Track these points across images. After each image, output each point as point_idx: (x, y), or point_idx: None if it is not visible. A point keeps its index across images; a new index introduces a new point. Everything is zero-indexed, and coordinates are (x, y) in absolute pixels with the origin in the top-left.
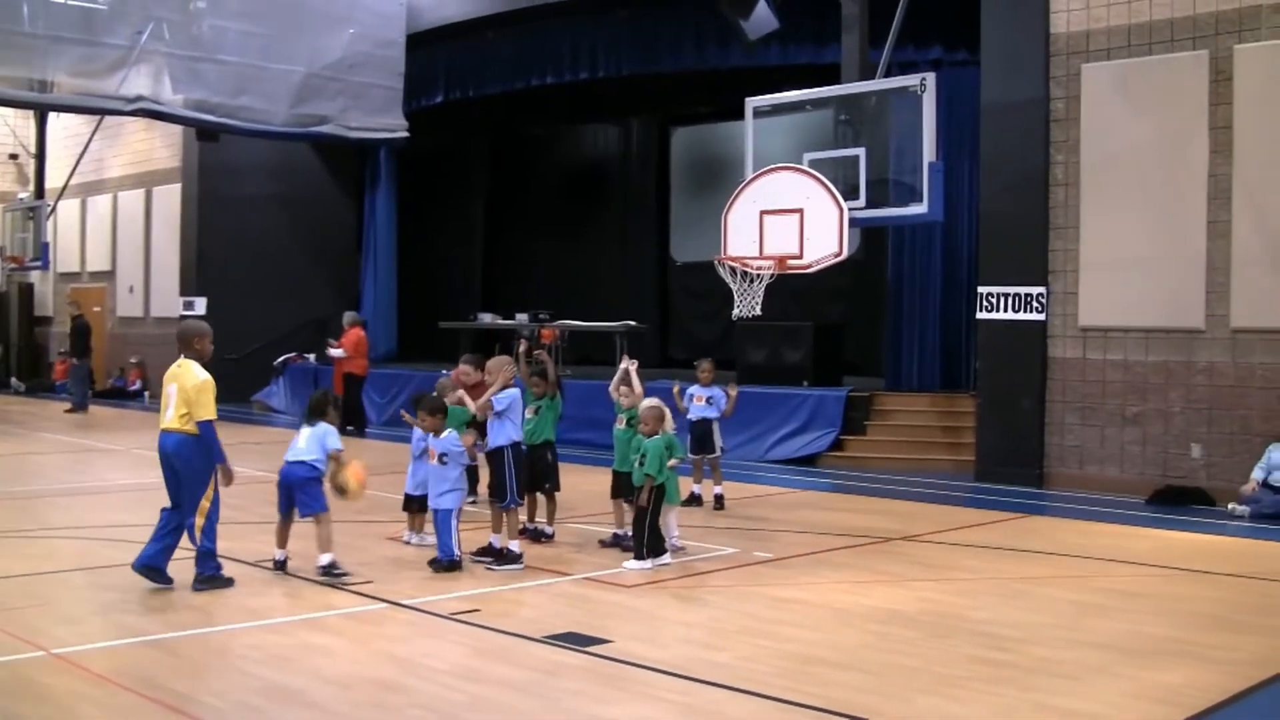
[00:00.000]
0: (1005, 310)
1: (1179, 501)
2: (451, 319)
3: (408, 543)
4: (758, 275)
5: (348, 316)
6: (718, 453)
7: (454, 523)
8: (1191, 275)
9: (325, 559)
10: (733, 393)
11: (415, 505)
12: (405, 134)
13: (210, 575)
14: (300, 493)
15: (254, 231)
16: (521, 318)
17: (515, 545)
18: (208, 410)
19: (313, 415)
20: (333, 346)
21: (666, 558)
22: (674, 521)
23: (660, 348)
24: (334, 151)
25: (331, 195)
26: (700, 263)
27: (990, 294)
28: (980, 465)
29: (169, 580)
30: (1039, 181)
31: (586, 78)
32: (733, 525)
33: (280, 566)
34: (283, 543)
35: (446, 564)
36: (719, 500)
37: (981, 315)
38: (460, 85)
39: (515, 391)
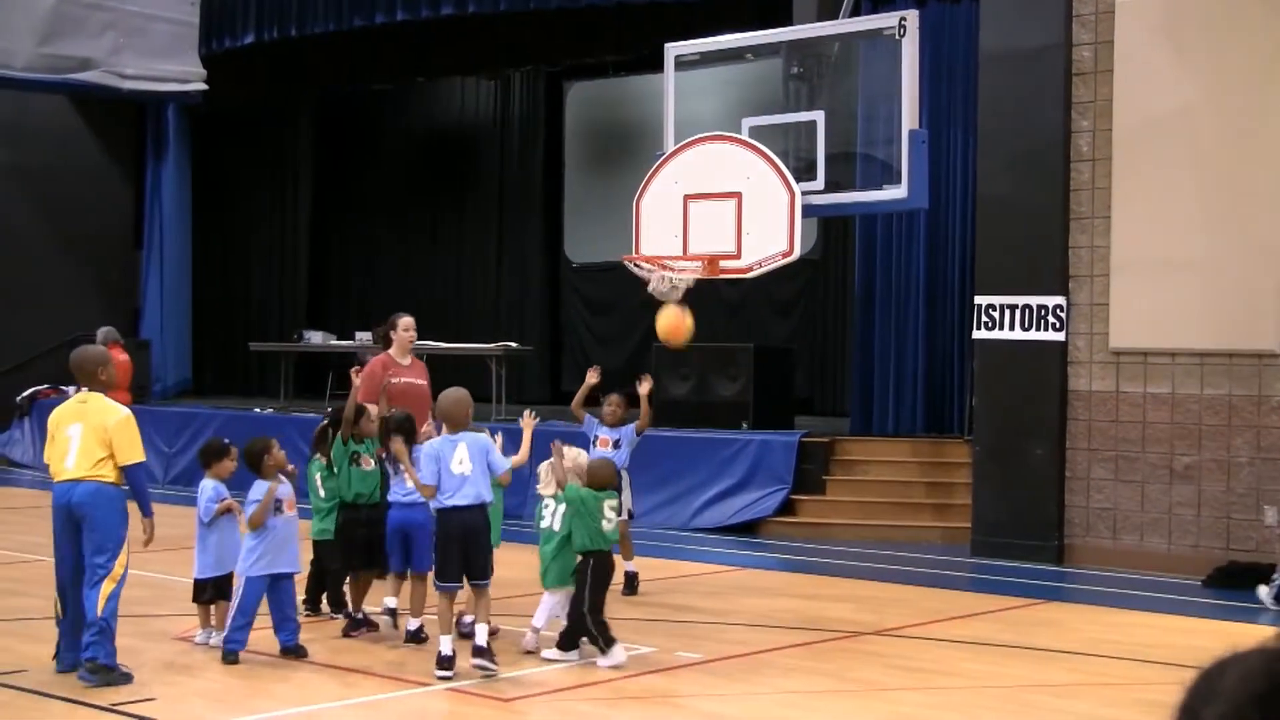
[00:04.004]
0: (1011, 328)
1: (1246, 583)
2: (266, 339)
3: (204, 644)
4: (681, 281)
5: (103, 332)
6: (625, 516)
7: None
8: (1263, 281)
9: (415, 623)
10: (643, 389)
11: (209, 593)
12: (202, 86)
13: (106, 664)
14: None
15: None
16: (363, 337)
17: (483, 633)
18: (137, 451)
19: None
20: None
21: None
22: (547, 607)
23: (550, 378)
24: (102, 109)
25: (99, 169)
26: (604, 264)
27: (991, 306)
28: (978, 534)
29: (128, 675)
30: (1057, 156)
31: (451, 14)
32: (649, 616)
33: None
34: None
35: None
36: (630, 581)
37: (979, 334)
38: (279, 21)
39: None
